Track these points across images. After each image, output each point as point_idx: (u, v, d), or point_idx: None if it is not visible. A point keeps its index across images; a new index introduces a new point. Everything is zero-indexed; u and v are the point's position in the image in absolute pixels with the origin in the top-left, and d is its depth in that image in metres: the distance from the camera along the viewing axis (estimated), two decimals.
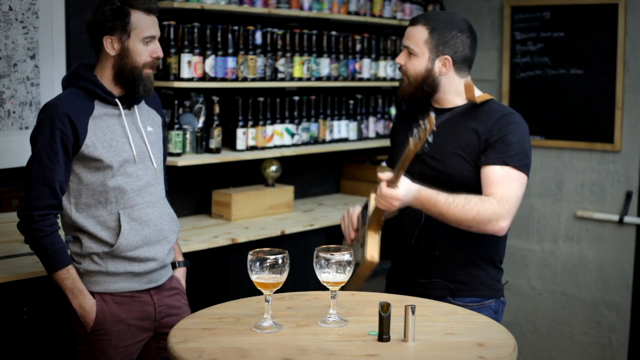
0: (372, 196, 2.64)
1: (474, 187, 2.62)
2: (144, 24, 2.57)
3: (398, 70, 2.79)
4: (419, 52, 2.69)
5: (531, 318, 4.88)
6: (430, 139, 2.39)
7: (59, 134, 2.49)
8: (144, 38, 2.58)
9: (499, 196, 2.55)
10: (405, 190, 2.50)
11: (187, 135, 3.80)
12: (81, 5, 3.53)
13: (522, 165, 2.61)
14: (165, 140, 2.87)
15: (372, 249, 2.56)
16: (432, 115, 2.33)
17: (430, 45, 2.68)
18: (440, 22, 2.70)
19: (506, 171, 2.58)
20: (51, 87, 3.41)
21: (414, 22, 2.73)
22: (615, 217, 4.52)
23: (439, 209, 2.52)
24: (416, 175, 2.71)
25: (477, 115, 2.70)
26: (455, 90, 2.73)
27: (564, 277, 4.75)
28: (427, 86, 2.71)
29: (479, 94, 2.77)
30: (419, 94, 2.73)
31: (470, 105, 2.72)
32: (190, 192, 4.10)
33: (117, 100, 2.61)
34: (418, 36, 2.70)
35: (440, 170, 2.68)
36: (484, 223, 2.53)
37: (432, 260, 2.70)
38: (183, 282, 2.88)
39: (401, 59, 2.76)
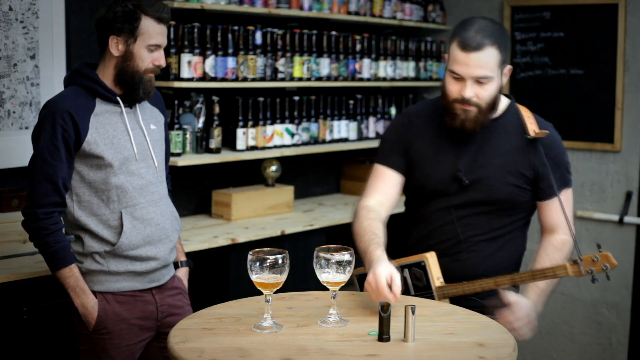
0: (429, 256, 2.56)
1: (520, 208, 2.59)
2: (152, 31, 2.57)
3: (454, 102, 2.47)
4: (494, 76, 2.46)
5: None
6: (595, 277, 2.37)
7: (60, 131, 2.49)
8: (149, 45, 2.58)
9: (564, 225, 2.59)
10: (527, 304, 2.45)
11: (187, 135, 3.80)
12: (81, 5, 3.53)
13: (571, 179, 2.66)
14: (168, 139, 2.87)
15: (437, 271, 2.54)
16: (614, 261, 2.31)
17: (499, 62, 2.46)
18: (499, 34, 2.47)
19: (565, 195, 2.60)
20: (51, 87, 3.41)
21: (479, 46, 2.41)
22: (615, 217, 4.52)
23: (547, 294, 2.57)
24: (455, 198, 2.58)
25: (519, 131, 2.58)
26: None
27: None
28: (496, 104, 2.53)
29: (505, 101, 2.64)
30: (488, 118, 2.52)
31: (505, 118, 2.60)
32: (190, 192, 4.10)
33: (118, 98, 2.61)
34: (491, 60, 2.43)
35: (487, 195, 2.56)
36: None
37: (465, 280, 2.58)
38: (185, 282, 2.88)
39: (470, 91, 2.43)
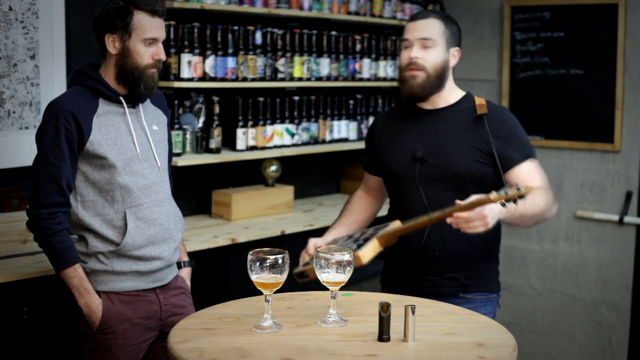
0: (396, 223, 2.67)
1: (487, 183, 2.66)
2: (146, 25, 2.57)
3: (405, 69, 2.73)
4: (438, 42, 2.70)
5: (531, 318, 4.88)
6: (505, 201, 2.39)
7: (63, 131, 2.49)
8: (145, 39, 2.58)
9: (541, 186, 2.65)
10: (495, 207, 2.44)
11: (187, 135, 3.80)
12: (81, 5, 3.53)
13: (535, 154, 2.73)
14: (171, 140, 2.88)
15: (368, 252, 2.58)
16: (530, 190, 2.37)
17: (445, 36, 2.72)
18: (446, 16, 2.77)
19: (529, 164, 2.69)
20: (51, 87, 3.41)
21: (424, 16, 2.74)
22: (615, 217, 4.52)
23: (521, 211, 2.53)
24: (418, 176, 2.71)
25: (471, 113, 2.73)
26: (450, 87, 2.78)
27: (564, 277, 4.75)
28: (443, 77, 2.73)
29: (462, 93, 2.81)
30: (434, 88, 2.73)
31: (460, 106, 2.76)
32: (190, 192, 4.10)
33: (121, 98, 2.62)
34: (434, 28, 2.71)
35: (446, 169, 2.69)
36: (548, 211, 2.63)
37: (443, 259, 2.72)
38: (188, 282, 2.88)
39: (416, 52, 2.71)
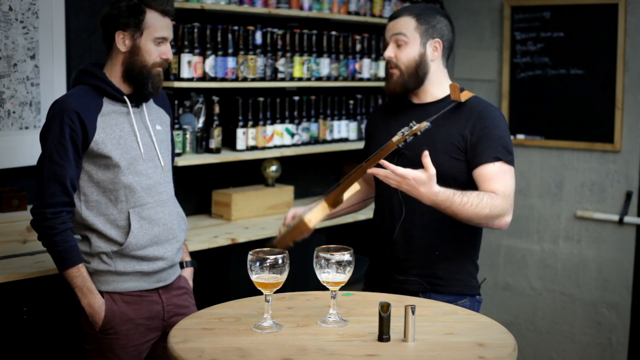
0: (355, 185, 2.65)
1: (458, 180, 2.62)
2: (157, 25, 2.59)
3: (386, 67, 2.77)
4: (410, 39, 2.69)
5: (531, 318, 4.88)
6: (409, 139, 2.41)
7: (68, 131, 2.49)
8: (156, 38, 2.59)
9: (500, 191, 2.58)
10: (417, 175, 2.43)
11: (187, 135, 3.80)
12: (81, 5, 3.53)
13: (511, 159, 2.66)
14: (173, 140, 2.88)
15: (315, 215, 2.55)
16: (426, 123, 2.37)
17: (420, 30, 2.69)
18: (423, 9, 2.74)
19: (498, 167, 2.61)
20: (51, 87, 3.41)
21: (396, 15, 2.74)
22: (615, 217, 4.52)
23: (454, 210, 2.50)
24: None
25: (456, 110, 2.69)
26: (438, 81, 2.75)
27: (564, 277, 4.75)
28: (420, 72, 2.70)
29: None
30: (411, 84, 2.72)
31: (448, 101, 2.71)
32: (190, 192, 4.10)
33: (125, 97, 2.62)
34: (406, 24, 2.70)
35: (420, 164, 2.64)
36: (494, 219, 2.55)
37: (411, 255, 2.70)
38: (190, 282, 2.88)
39: (390, 51, 2.72)
